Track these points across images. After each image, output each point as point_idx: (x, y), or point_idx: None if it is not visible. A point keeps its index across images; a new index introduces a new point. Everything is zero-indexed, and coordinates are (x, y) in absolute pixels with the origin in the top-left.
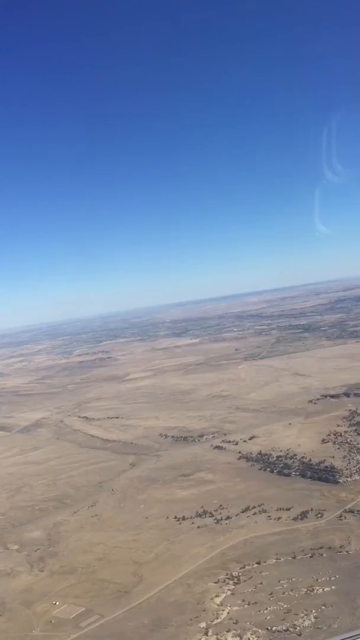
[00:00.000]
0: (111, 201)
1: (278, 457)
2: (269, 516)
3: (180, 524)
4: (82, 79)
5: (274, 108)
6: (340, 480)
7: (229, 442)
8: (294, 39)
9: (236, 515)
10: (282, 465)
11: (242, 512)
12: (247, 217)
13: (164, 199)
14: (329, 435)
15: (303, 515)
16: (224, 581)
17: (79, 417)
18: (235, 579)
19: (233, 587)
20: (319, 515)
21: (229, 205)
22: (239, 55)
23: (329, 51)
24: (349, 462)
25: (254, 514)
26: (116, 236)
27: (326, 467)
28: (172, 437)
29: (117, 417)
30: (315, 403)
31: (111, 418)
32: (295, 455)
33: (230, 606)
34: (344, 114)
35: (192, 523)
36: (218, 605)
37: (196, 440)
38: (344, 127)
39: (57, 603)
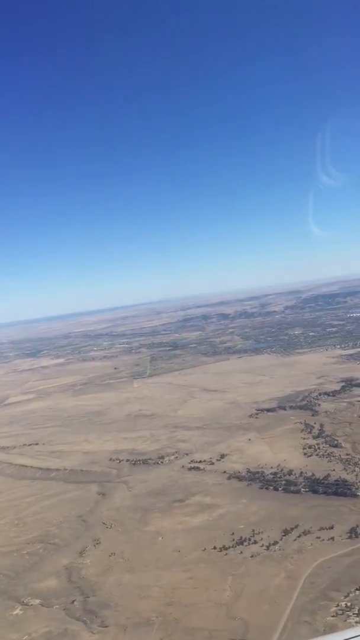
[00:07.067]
0: None
1: (274, 474)
2: (318, 537)
3: (226, 554)
4: (85, 79)
5: (273, 110)
6: (359, 494)
7: (200, 462)
8: (293, 47)
9: (281, 540)
10: (284, 482)
11: (284, 535)
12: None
13: None
14: (304, 448)
15: (354, 532)
16: (342, 613)
17: None
18: (355, 610)
19: (358, 619)
20: None
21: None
22: (239, 61)
23: (327, 58)
24: (357, 475)
25: (299, 537)
26: None
27: (337, 481)
28: (127, 460)
29: (37, 444)
30: (257, 418)
31: (30, 445)
32: (292, 471)
33: None
34: (341, 119)
35: (241, 553)
36: None
37: (158, 462)
38: (341, 132)
39: None
